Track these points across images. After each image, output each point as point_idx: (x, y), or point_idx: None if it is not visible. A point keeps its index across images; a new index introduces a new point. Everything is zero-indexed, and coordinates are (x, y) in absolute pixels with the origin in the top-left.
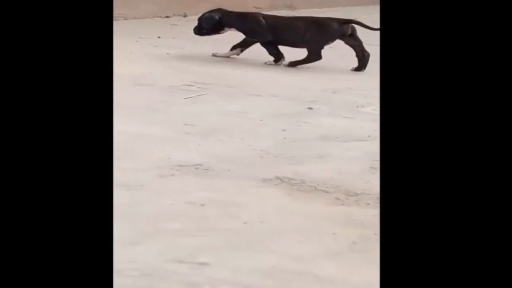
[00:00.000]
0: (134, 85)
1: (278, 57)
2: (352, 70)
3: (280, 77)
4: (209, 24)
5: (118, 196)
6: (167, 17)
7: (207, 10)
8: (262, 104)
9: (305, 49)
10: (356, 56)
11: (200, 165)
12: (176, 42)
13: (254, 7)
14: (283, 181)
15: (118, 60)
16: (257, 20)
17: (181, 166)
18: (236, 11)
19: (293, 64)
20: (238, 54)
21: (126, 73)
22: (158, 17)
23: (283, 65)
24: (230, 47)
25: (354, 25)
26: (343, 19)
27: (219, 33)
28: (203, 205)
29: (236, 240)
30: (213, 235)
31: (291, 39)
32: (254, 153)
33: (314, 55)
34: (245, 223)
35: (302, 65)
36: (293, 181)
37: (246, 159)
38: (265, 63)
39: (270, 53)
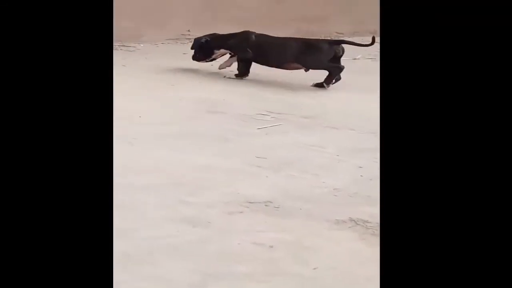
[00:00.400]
0: (207, 112)
1: (243, 74)
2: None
3: (360, 108)
4: (196, 48)
5: (183, 233)
6: None
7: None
8: (339, 137)
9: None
10: (331, 74)
11: (270, 202)
12: (253, 67)
13: (336, 32)
14: (357, 224)
15: (192, 85)
16: (246, 37)
17: (250, 202)
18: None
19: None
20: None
21: (199, 99)
22: None
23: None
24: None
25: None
26: (334, 40)
27: (212, 57)
28: (271, 246)
29: (306, 287)
30: (281, 281)
31: (277, 59)
32: (327, 191)
33: (334, 70)
34: (315, 268)
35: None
36: (368, 224)
37: (319, 197)
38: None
39: (240, 69)
